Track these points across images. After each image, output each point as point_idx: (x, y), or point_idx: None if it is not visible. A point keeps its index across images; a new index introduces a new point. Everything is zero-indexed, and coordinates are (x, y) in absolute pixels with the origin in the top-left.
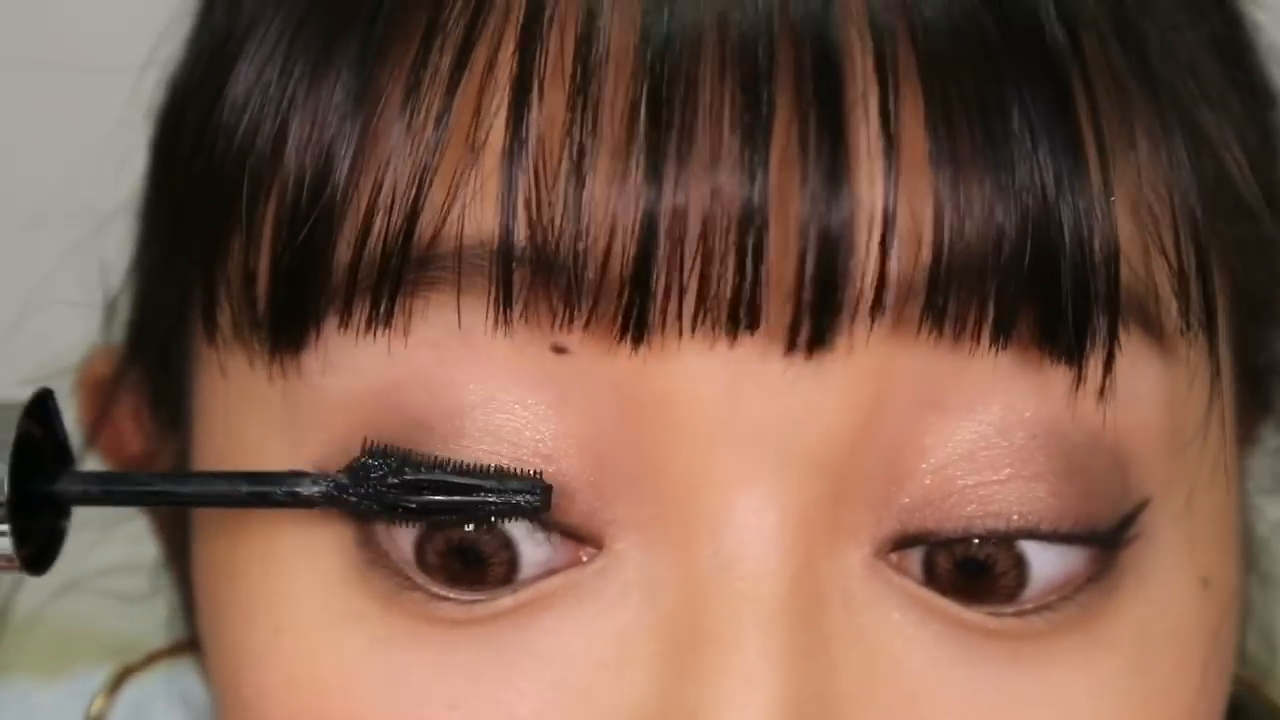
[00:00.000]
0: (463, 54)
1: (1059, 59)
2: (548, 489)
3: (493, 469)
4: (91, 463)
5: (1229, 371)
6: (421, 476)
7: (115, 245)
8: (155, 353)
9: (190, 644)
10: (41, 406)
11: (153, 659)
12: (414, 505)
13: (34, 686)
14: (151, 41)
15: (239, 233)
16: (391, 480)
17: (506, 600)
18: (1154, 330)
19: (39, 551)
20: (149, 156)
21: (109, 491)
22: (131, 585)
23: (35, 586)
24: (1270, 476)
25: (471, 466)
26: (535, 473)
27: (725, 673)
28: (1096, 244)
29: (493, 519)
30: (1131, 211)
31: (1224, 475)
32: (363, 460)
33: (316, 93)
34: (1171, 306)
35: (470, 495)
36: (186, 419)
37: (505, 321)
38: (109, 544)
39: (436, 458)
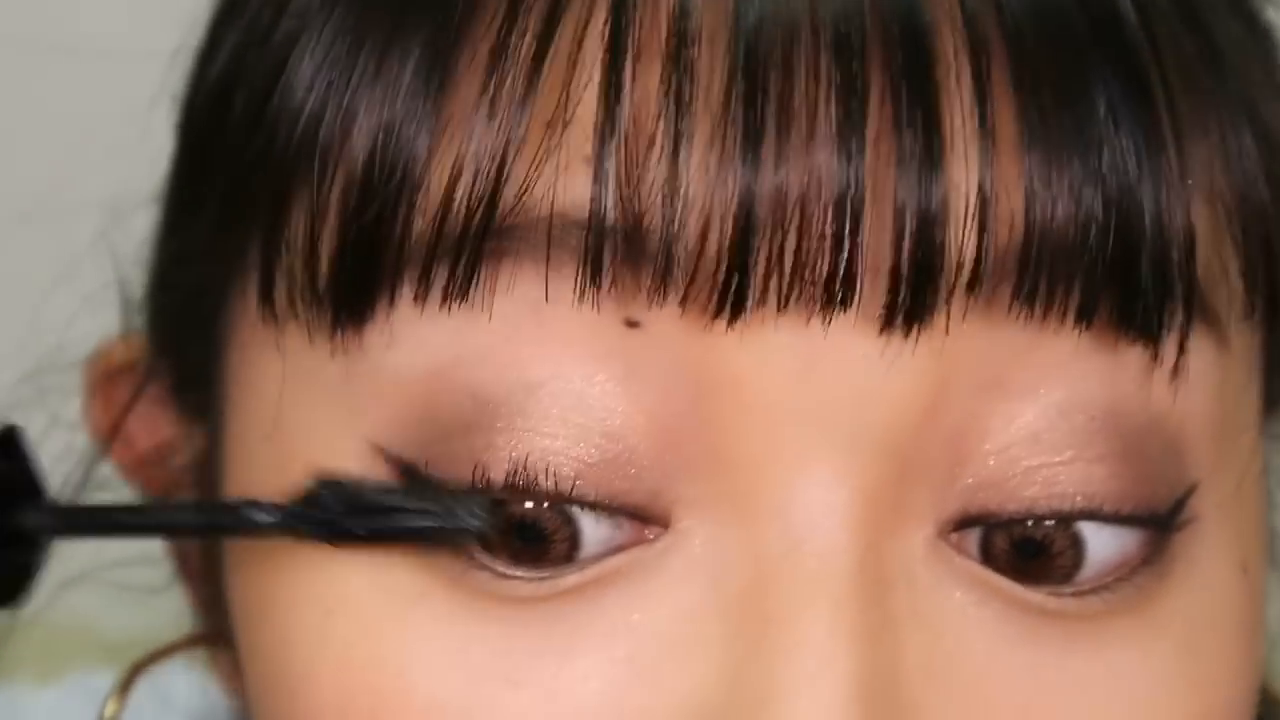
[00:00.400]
0: (548, 28)
1: (1137, 46)
2: (494, 507)
3: (441, 493)
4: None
5: (1259, 362)
6: (371, 502)
7: (129, 236)
8: (186, 339)
9: (205, 638)
10: (8, 441)
11: (164, 653)
12: (362, 533)
13: (30, 690)
14: (164, 31)
15: (301, 211)
16: (339, 510)
17: (572, 578)
18: (1214, 318)
19: (6, 585)
20: (180, 142)
21: (71, 524)
22: (132, 582)
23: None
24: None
25: (421, 492)
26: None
27: (796, 652)
28: (1176, 228)
29: (437, 540)
30: (1204, 198)
31: (1253, 463)
32: (315, 489)
33: (388, 70)
34: (1234, 295)
35: (417, 519)
36: (218, 404)
37: (594, 295)
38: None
39: (387, 485)
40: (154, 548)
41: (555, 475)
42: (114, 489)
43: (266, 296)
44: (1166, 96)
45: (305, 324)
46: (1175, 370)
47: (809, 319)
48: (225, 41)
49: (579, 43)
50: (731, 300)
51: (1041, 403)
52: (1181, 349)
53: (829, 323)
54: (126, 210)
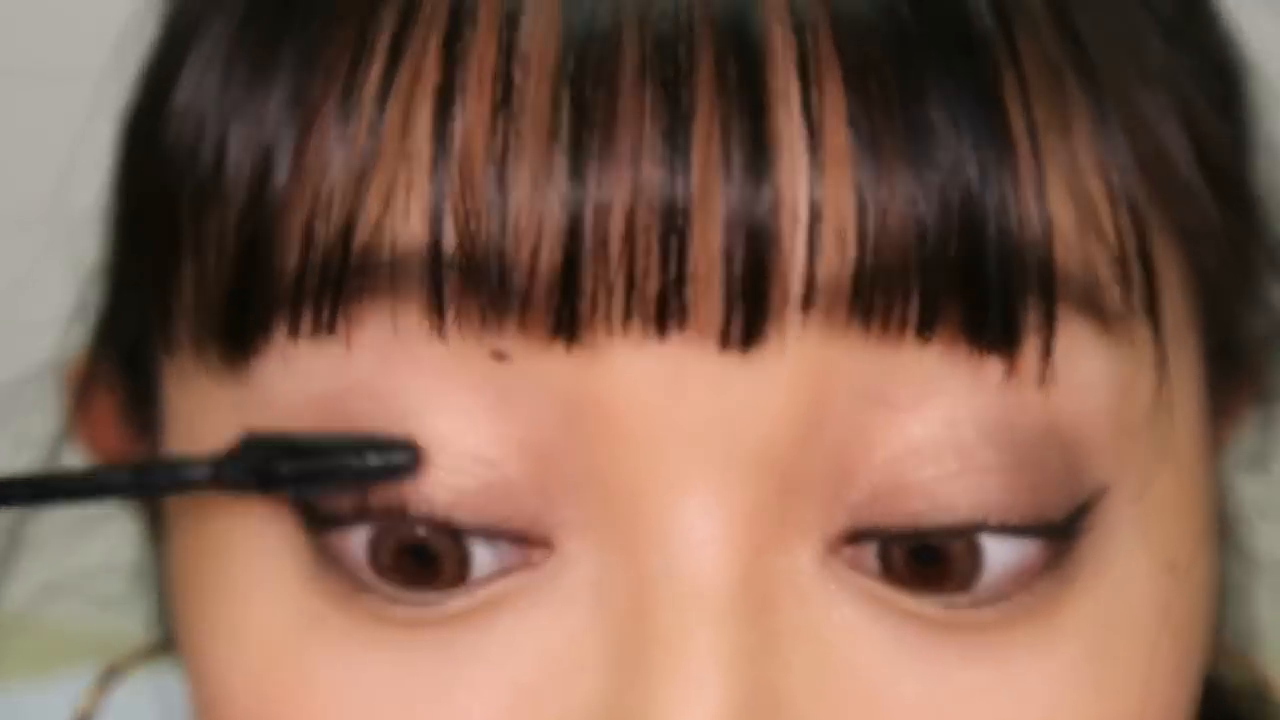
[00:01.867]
0: (392, 62)
1: (985, 47)
2: (416, 448)
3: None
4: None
5: (1189, 353)
6: (298, 446)
7: (91, 247)
8: (124, 357)
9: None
10: None
11: (139, 658)
12: (285, 473)
13: (22, 690)
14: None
15: (187, 243)
16: (270, 459)
17: (460, 602)
18: (1097, 315)
19: None
20: (113, 159)
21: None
22: (115, 587)
23: (21, 589)
24: (1248, 455)
25: (349, 437)
26: (409, 439)
27: (674, 674)
28: (1025, 234)
29: (366, 479)
30: (1068, 196)
31: (1176, 459)
32: (242, 442)
33: (256, 100)
34: (1114, 291)
35: (341, 460)
36: (157, 423)
37: (439, 327)
38: (93, 543)
39: (315, 434)
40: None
41: (431, 503)
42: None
43: (166, 331)
44: (1021, 97)
45: (202, 358)
46: (1042, 378)
47: (644, 339)
48: (149, 62)
49: (418, 74)
50: (565, 322)
51: (924, 416)
52: (1045, 354)
53: (665, 342)
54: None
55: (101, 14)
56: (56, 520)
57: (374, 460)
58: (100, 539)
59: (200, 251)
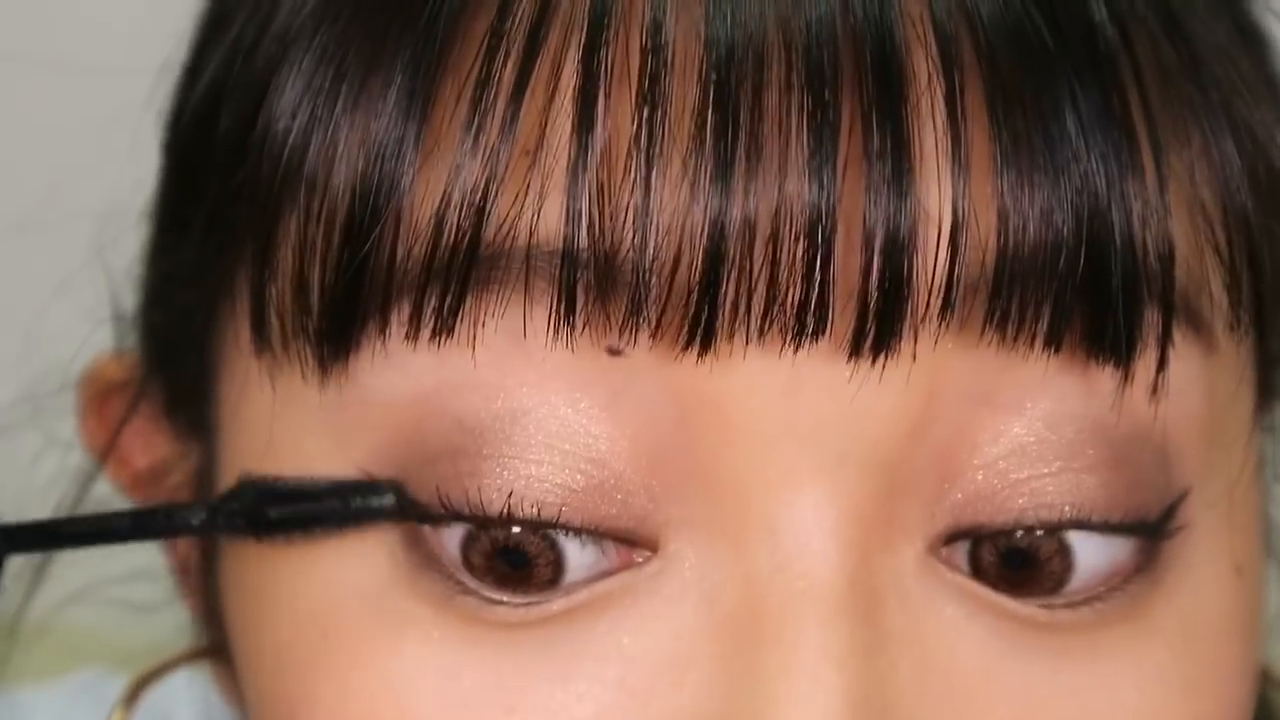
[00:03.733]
0: (527, 60)
1: (1112, 58)
2: (393, 488)
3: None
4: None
5: (1250, 360)
6: (285, 492)
7: (123, 252)
8: (177, 358)
9: (207, 651)
10: None
11: (169, 666)
12: (273, 518)
13: (34, 693)
14: (159, 43)
15: (288, 242)
16: (257, 502)
17: (560, 603)
18: (1202, 328)
19: None
20: (166, 161)
21: (12, 543)
22: (137, 594)
23: (41, 595)
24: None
25: (330, 482)
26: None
27: (788, 672)
28: (1150, 246)
29: (350, 522)
30: (1186, 209)
31: (1248, 465)
32: (236, 486)
33: (371, 99)
34: (1221, 302)
35: (327, 504)
36: (213, 423)
37: (568, 327)
38: (116, 552)
39: (305, 480)
40: (155, 564)
41: (540, 503)
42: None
43: (259, 328)
44: (1144, 109)
45: (296, 354)
46: (1155, 387)
47: (780, 350)
48: (210, 60)
49: (557, 74)
50: (702, 332)
51: (1028, 415)
52: (1160, 366)
53: (799, 353)
54: (120, 224)
55: (133, 13)
56: None
57: (358, 503)
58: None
59: (305, 248)
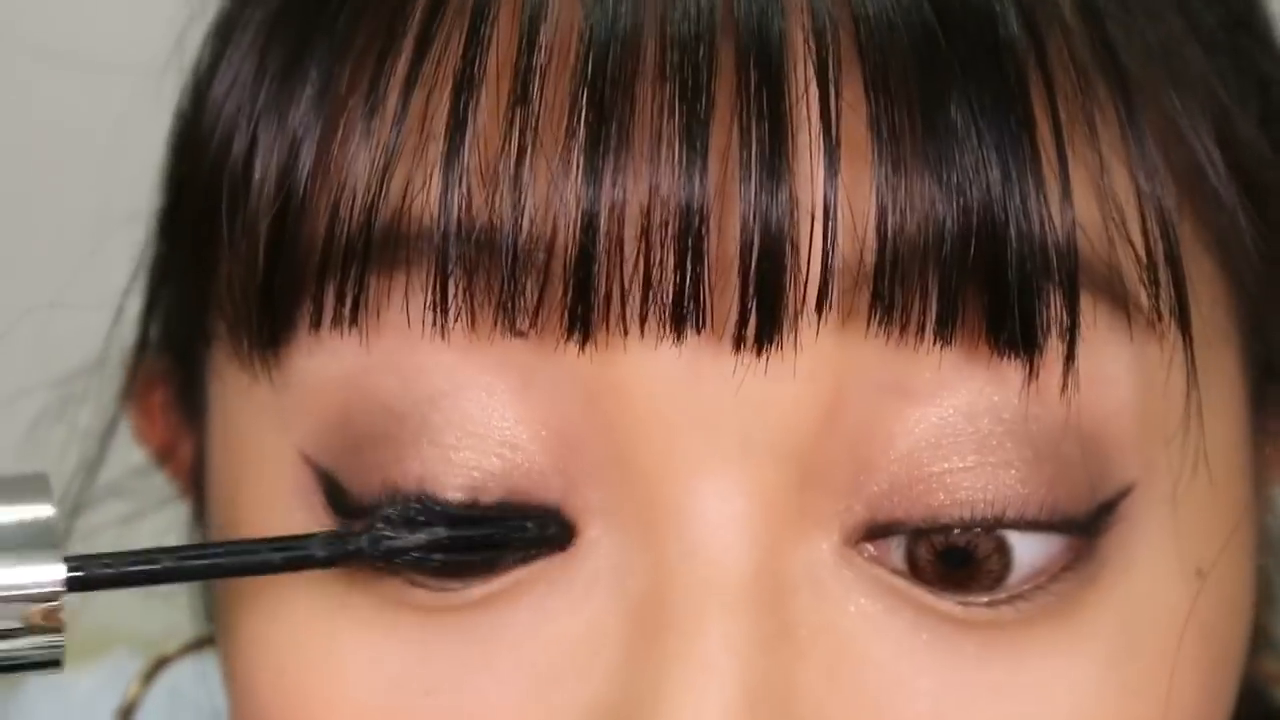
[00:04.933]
0: (418, 54)
1: (1011, 50)
2: (564, 527)
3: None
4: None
5: (1228, 365)
6: (446, 534)
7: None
8: (174, 347)
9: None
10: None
11: (187, 649)
12: (437, 560)
13: (70, 674)
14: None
15: (221, 237)
16: (416, 540)
17: (480, 589)
18: (1123, 316)
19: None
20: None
21: (121, 573)
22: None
23: None
24: None
25: (479, 510)
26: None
27: (686, 659)
28: (1049, 237)
29: (517, 555)
30: (1096, 200)
31: (1207, 467)
32: (386, 512)
33: (286, 92)
34: (1141, 293)
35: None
36: (203, 410)
37: (444, 314)
38: (136, 536)
39: (446, 507)
40: None
41: (461, 487)
42: (129, 495)
43: (204, 324)
44: (1047, 99)
45: (238, 345)
46: (1065, 381)
47: (660, 340)
48: (197, 60)
49: (440, 67)
50: (580, 320)
51: (943, 407)
52: (1069, 358)
53: (681, 344)
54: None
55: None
56: (105, 513)
57: (527, 534)
58: (147, 531)
59: (232, 244)
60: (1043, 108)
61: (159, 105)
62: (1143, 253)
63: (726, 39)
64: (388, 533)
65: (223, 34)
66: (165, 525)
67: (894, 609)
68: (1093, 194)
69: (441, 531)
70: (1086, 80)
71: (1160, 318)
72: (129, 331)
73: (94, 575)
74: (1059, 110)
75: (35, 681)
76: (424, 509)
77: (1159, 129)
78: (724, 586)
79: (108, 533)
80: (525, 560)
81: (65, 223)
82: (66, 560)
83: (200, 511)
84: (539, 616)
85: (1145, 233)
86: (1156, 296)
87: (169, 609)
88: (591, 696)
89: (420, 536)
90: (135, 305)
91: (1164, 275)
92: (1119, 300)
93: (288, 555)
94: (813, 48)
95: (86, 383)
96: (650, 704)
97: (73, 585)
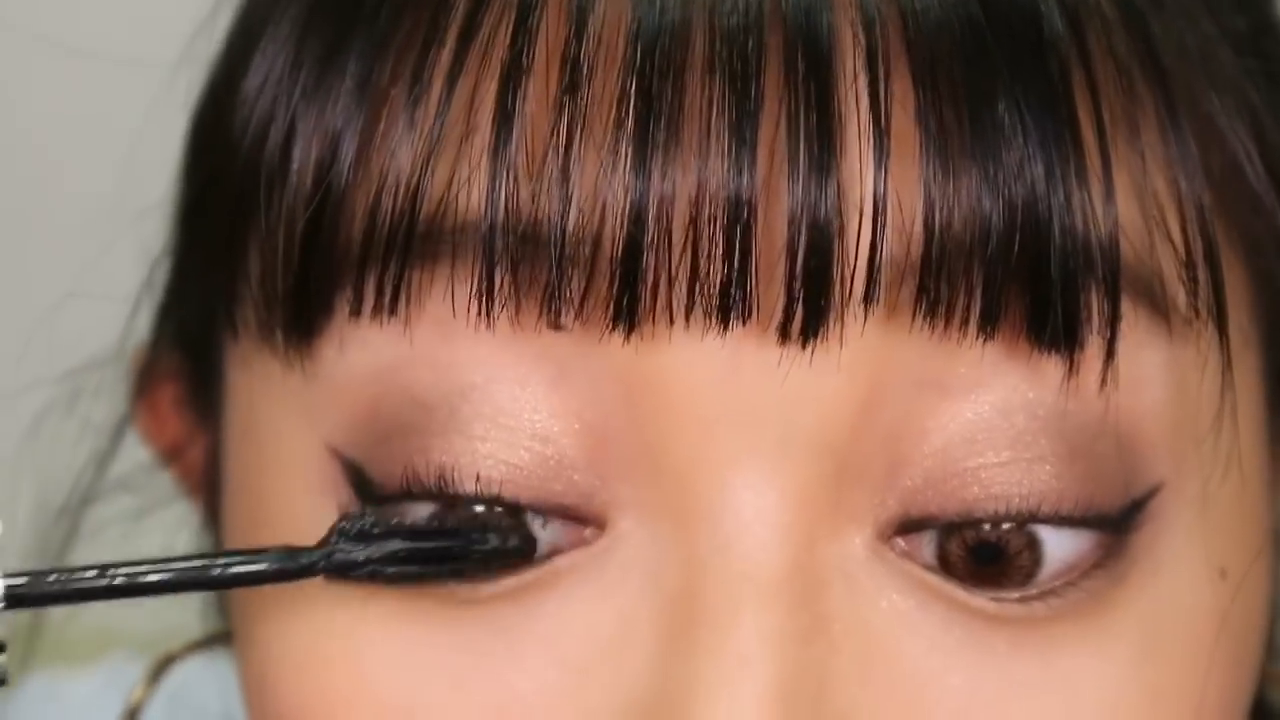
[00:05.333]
0: (463, 44)
1: (1056, 46)
2: (528, 539)
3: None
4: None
5: (1253, 367)
6: (402, 546)
7: (156, 240)
8: (190, 344)
9: (227, 635)
10: None
11: (191, 649)
12: (392, 573)
13: (68, 678)
14: (189, 36)
15: (255, 228)
16: (368, 553)
17: (510, 581)
18: (1161, 315)
19: None
20: (184, 150)
21: (66, 590)
22: None
23: None
24: None
25: (445, 523)
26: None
27: (720, 652)
28: (1091, 234)
29: (481, 570)
30: (1136, 198)
31: (1239, 468)
32: (342, 526)
33: (325, 84)
34: (1179, 293)
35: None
36: (219, 408)
37: (488, 303)
38: (142, 535)
39: (413, 524)
40: (179, 547)
41: (483, 478)
42: (136, 490)
43: (232, 315)
44: (1091, 97)
45: (267, 337)
46: (1104, 378)
47: (705, 332)
48: (220, 53)
49: (486, 58)
50: (625, 313)
51: (979, 402)
52: (1109, 355)
53: (726, 335)
54: (160, 210)
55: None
56: (112, 509)
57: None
58: (156, 530)
59: (268, 234)
60: (1086, 106)
61: (172, 101)
62: (1183, 252)
63: (774, 32)
64: (342, 547)
65: (251, 28)
66: (175, 521)
67: (925, 605)
68: (1134, 192)
69: (398, 544)
70: (1128, 79)
71: (1198, 317)
72: (139, 326)
73: (34, 593)
74: (1102, 108)
75: (33, 686)
76: (379, 522)
77: (1197, 128)
78: (758, 580)
79: (116, 527)
80: (554, 552)
81: (75, 218)
82: (5, 576)
83: (212, 511)
84: (569, 609)
85: (1185, 232)
86: (1195, 296)
87: (170, 609)
88: (624, 689)
89: (373, 550)
90: (145, 300)
91: (1203, 275)
92: (1157, 299)
93: (238, 572)
94: (861, 41)
95: (98, 377)
96: (685, 697)
97: (11, 602)
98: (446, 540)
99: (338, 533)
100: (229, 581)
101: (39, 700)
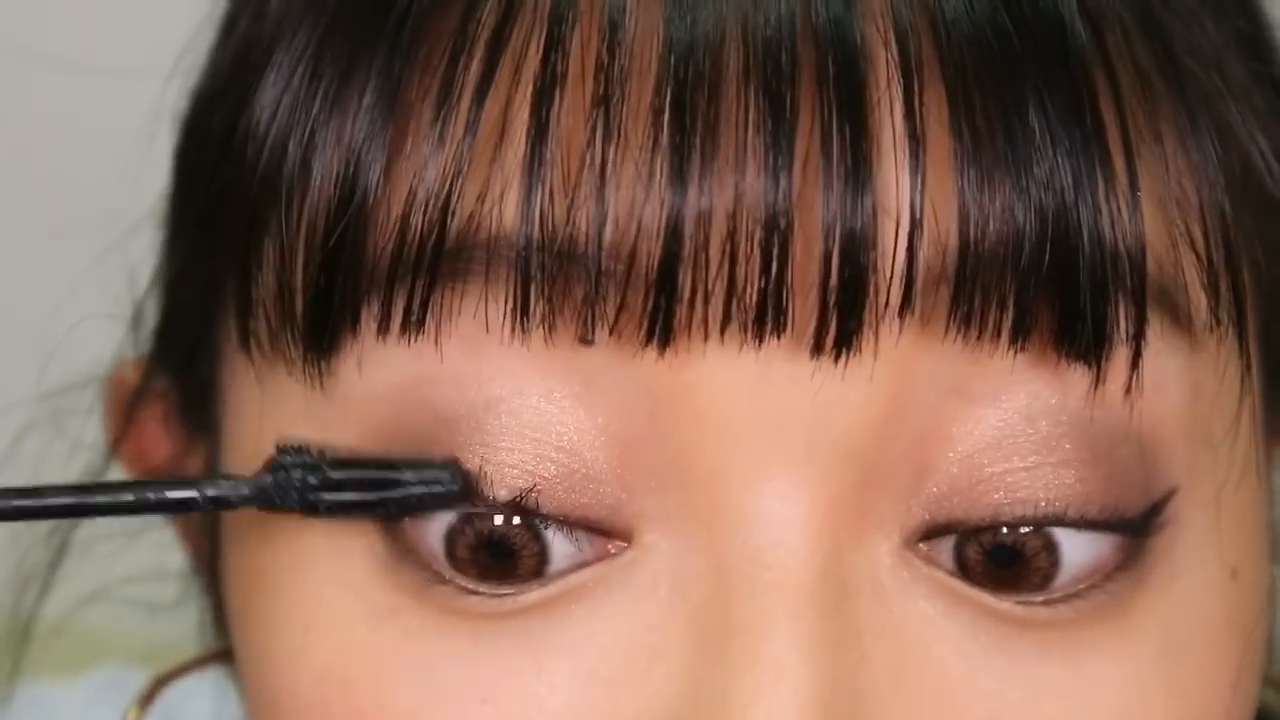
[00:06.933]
0: (490, 59)
1: (1081, 56)
2: (464, 473)
3: (408, 459)
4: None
5: (1258, 367)
6: (340, 475)
7: (142, 253)
8: (183, 358)
9: (222, 653)
10: None
11: (186, 668)
12: (331, 503)
13: (56, 689)
14: (178, 46)
15: (271, 242)
16: (310, 479)
17: (536, 594)
18: (1182, 323)
19: None
20: (174, 164)
21: (14, 508)
22: (157, 593)
23: (60, 593)
24: None
25: (388, 459)
26: (452, 459)
27: (755, 662)
28: (1119, 244)
29: (411, 509)
30: (1159, 206)
31: (1254, 469)
32: (280, 459)
33: (345, 99)
34: (1200, 300)
35: (387, 489)
36: (216, 422)
37: (524, 319)
38: (134, 551)
39: (352, 452)
40: (169, 563)
41: (511, 490)
42: None
43: (245, 328)
44: (1116, 106)
45: (282, 353)
46: (1129, 385)
47: (742, 346)
48: (214, 64)
49: (517, 72)
50: (660, 327)
51: (1003, 409)
52: (1135, 363)
53: (761, 348)
54: (143, 225)
55: (152, 16)
56: (102, 526)
57: (424, 489)
58: (139, 546)
59: (285, 249)
60: (1111, 114)
61: (158, 115)
62: (1205, 259)
63: (807, 44)
64: (279, 476)
65: (259, 40)
66: (169, 537)
67: (951, 610)
68: (1157, 200)
69: (339, 474)
70: (1149, 86)
71: (1219, 323)
72: (129, 341)
73: None
74: (1126, 116)
75: (23, 694)
76: (317, 454)
77: (1215, 133)
78: (789, 589)
79: (111, 541)
80: (579, 566)
81: (67, 231)
82: None
83: (201, 528)
84: (596, 622)
85: (1207, 238)
86: (1216, 303)
87: (162, 621)
88: (654, 701)
89: (311, 478)
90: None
91: (1225, 283)
92: (1180, 306)
93: (173, 497)
94: (894, 52)
95: (89, 393)
96: (721, 708)
97: None
98: (384, 472)
99: (275, 464)
100: (165, 506)
101: (29, 708)
